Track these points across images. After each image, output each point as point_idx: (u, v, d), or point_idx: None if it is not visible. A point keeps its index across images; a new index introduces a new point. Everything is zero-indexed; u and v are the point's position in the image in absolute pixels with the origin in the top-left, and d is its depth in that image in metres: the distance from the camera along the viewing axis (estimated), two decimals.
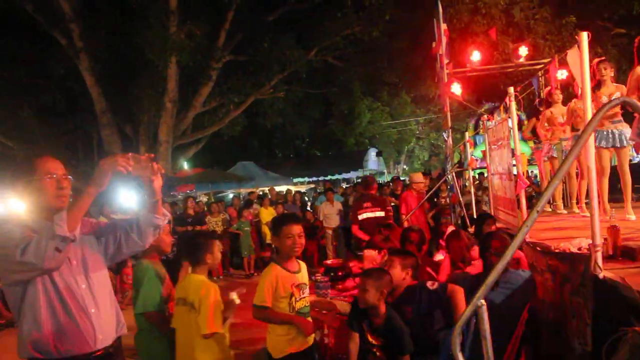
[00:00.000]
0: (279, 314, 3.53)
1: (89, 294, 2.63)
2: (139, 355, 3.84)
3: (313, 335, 3.74)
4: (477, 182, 14.11)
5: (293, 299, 3.56)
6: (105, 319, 2.71)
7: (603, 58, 6.59)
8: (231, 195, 19.76)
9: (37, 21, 15.88)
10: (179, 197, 16.68)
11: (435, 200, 10.81)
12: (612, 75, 6.34)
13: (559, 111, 7.74)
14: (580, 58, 3.74)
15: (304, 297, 3.66)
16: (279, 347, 3.56)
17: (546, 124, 7.95)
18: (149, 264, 3.86)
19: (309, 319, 3.73)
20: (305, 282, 3.69)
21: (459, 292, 3.76)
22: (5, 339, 7.85)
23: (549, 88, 8.32)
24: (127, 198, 13.77)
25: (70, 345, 2.54)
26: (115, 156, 2.51)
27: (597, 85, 6.19)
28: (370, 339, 3.71)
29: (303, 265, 3.78)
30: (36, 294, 2.49)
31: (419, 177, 10.36)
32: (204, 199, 17.51)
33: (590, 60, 4.36)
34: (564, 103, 7.78)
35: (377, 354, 3.67)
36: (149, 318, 3.71)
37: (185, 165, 22.84)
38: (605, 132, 6.15)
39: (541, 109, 8.61)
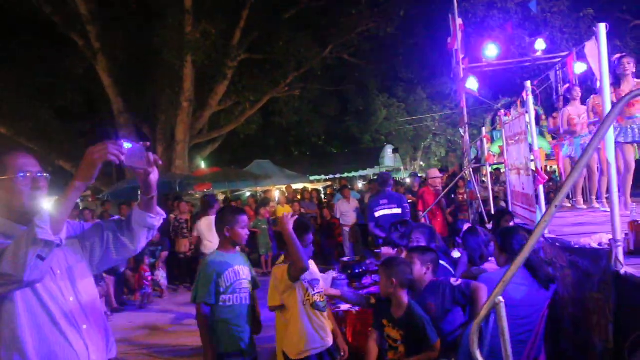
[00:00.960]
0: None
1: (78, 308, 2.26)
2: None
3: (332, 333, 3.74)
4: (495, 177, 14.00)
5: (308, 293, 3.60)
6: (97, 337, 2.32)
7: (624, 53, 6.47)
8: (248, 194, 19.83)
9: (54, 23, 16.05)
10: (197, 195, 16.77)
11: (452, 196, 10.74)
12: (634, 70, 6.22)
13: (575, 111, 7.58)
14: (598, 50, 3.68)
15: (319, 292, 3.70)
16: (295, 347, 3.56)
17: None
18: (210, 257, 3.77)
19: (327, 312, 3.75)
20: (316, 278, 3.74)
21: (482, 290, 3.74)
22: None
23: (567, 85, 8.21)
24: None
25: None
26: (104, 143, 2.10)
27: (616, 81, 6.08)
28: (391, 333, 3.69)
29: (310, 262, 3.82)
30: (14, 310, 2.09)
31: (434, 172, 10.32)
32: (221, 197, 17.58)
33: (609, 53, 4.29)
34: (583, 100, 7.65)
35: (399, 349, 3.65)
36: (197, 310, 3.67)
37: (202, 164, 22.94)
38: (626, 127, 6.05)
39: (558, 105, 8.51)
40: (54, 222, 2.00)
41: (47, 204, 2.21)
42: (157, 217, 2.44)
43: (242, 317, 3.66)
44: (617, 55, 6.18)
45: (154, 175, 2.30)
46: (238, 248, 3.85)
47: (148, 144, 2.26)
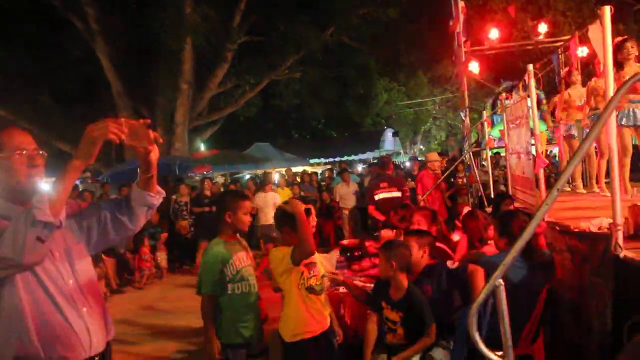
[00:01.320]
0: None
1: (78, 290, 2.22)
2: None
3: (328, 317, 3.71)
4: (495, 161, 13.99)
5: (303, 277, 3.56)
6: (97, 319, 2.28)
7: (626, 37, 6.41)
8: (247, 176, 19.83)
9: (53, 5, 15.94)
10: (196, 178, 16.77)
11: (452, 180, 10.73)
12: (637, 54, 6.17)
13: (576, 93, 7.57)
14: (602, 33, 3.65)
15: (315, 275, 3.64)
16: (290, 330, 3.54)
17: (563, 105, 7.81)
18: (212, 245, 3.64)
19: (323, 296, 3.71)
20: (314, 261, 3.67)
21: (479, 272, 3.75)
22: None
23: (568, 68, 8.17)
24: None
25: (64, 351, 2.12)
26: (105, 121, 2.03)
27: (619, 65, 6.03)
28: (390, 315, 3.71)
29: None
30: (16, 294, 2.04)
31: (433, 156, 10.31)
32: (221, 180, 17.56)
33: (613, 37, 4.25)
34: (583, 84, 7.62)
35: (398, 331, 3.67)
36: (202, 300, 3.60)
37: (202, 147, 22.91)
38: (626, 111, 6.03)
39: (560, 89, 8.47)
40: (53, 203, 1.95)
41: (46, 185, 2.17)
42: (157, 196, 2.40)
43: (250, 306, 3.59)
44: (620, 39, 6.13)
45: (154, 154, 2.25)
46: (238, 234, 3.78)
47: (149, 121, 2.21)
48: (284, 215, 3.60)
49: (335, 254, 5.49)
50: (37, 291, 2.08)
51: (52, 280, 2.13)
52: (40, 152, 2.19)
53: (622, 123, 6.00)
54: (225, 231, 3.66)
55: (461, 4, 9.71)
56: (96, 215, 2.36)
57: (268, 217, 10.75)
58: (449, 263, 3.94)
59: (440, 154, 12.26)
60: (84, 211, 2.37)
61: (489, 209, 6.98)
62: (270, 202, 11.20)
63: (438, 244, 4.77)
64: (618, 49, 5.95)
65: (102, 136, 2.00)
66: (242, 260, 3.63)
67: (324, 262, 4.20)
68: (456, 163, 10.70)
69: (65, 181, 2.02)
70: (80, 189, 12.10)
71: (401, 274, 3.67)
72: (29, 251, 1.93)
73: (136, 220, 2.40)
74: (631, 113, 6.02)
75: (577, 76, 7.72)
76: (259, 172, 19.49)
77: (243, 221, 3.64)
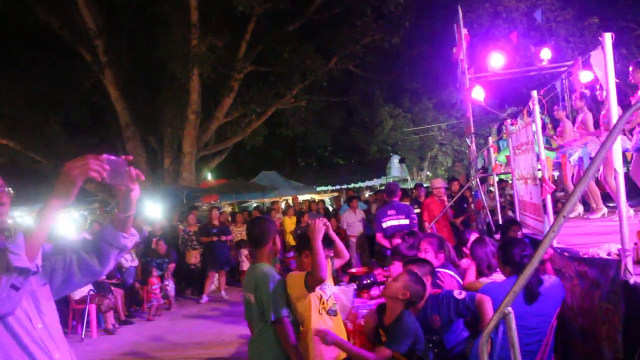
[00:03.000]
0: None
1: (47, 335, 2.03)
2: None
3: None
4: (500, 189, 13.94)
5: (322, 300, 3.53)
6: None
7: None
8: (254, 205, 19.86)
9: (62, 37, 16.22)
10: (204, 207, 16.82)
11: (466, 206, 10.67)
12: None
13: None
14: (604, 60, 3.69)
15: (330, 297, 3.65)
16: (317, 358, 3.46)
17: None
18: (272, 271, 3.53)
19: (337, 317, 3.68)
20: (325, 282, 3.65)
21: (487, 302, 3.72)
22: None
23: (575, 94, 8.19)
24: (154, 208, 13.93)
25: None
26: (85, 158, 1.90)
27: (634, 87, 6.06)
28: (381, 333, 3.68)
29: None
30: None
31: (438, 182, 10.32)
32: (228, 209, 17.62)
33: (615, 62, 4.28)
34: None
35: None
36: (281, 325, 3.38)
37: (209, 176, 23.02)
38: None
39: (558, 115, 8.51)
40: (30, 246, 1.80)
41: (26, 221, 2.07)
42: (130, 238, 2.21)
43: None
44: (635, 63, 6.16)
45: (135, 193, 2.11)
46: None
47: (130, 158, 2.08)
48: (304, 238, 3.59)
49: (351, 289, 5.35)
50: (4, 337, 1.89)
51: (21, 326, 1.93)
52: (7, 189, 2.05)
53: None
54: (269, 257, 3.64)
55: (464, 31, 9.82)
56: (60, 257, 2.15)
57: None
58: (455, 292, 3.92)
59: (453, 180, 12.25)
60: (47, 253, 2.12)
61: (497, 235, 6.96)
62: None
63: (445, 272, 4.76)
64: (632, 73, 5.96)
65: (82, 174, 1.88)
66: None
67: (341, 296, 4.19)
68: (463, 189, 10.69)
69: (42, 222, 1.88)
70: (89, 221, 12.16)
71: (404, 303, 3.63)
72: (2, 300, 1.76)
73: (105, 263, 2.18)
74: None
75: (580, 103, 7.74)
76: (267, 200, 19.53)
77: (277, 245, 3.65)
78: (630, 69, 6.09)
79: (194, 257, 11.45)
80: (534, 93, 5.95)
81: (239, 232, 12.29)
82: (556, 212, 4.93)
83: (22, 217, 16.26)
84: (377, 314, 3.87)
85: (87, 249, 2.17)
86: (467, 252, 5.41)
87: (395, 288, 3.63)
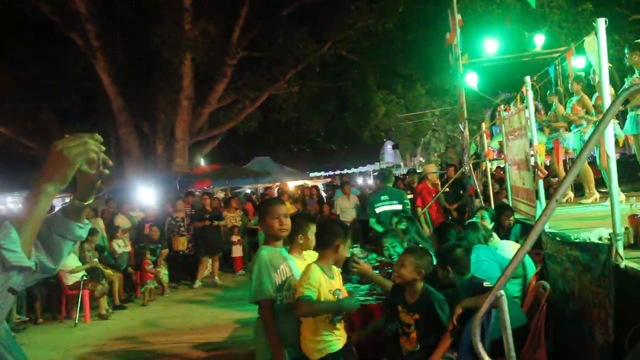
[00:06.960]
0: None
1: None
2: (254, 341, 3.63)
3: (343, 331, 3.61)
4: (495, 179, 13.97)
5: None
6: None
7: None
8: (248, 191, 19.86)
9: (53, 23, 16.06)
10: (197, 193, 16.83)
11: (462, 192, 10.68)
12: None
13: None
14: (598, 45, 3.69)
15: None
16: (314, 348, 3.33)
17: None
18: (261, 252, 3.48)
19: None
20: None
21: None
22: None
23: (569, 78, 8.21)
24: (147, 194, 13.89)
25: None
26: (82, 137, 1.64)
27: (631, 68, 6.07)
28: (405, 319, 3.68)
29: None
30: None
31: (431, 167, 10.35)
32: (221, 195, 17.60)
33: (608, 48, 4.27)
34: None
35: (411, 335, 3.64)
36: (261, 307, 3.42)
37: (202, 162, 22.98)
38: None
39: (550, 100, 8.53)
40: (24, 240, 1.54)
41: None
42: (85, 228, 1.83)
43: (297, 320, 3.39)
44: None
45: (98, 180, 1.79)
46: (280, 242, 3.59)
47: (101, 138, 1.71)
48: (297, 219, 3.62)
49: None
50: None
51: None
52: None
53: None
54: (268, 238, 3.56)
55: (458, 17, 9.79)
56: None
57: None
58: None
59: (449, 166, 12.25)
60: None
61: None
62: None
63: None
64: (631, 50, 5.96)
65: (82, 154, 1.62)
66: (291, 268, 3.51)
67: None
68: (455, 175, 10.71)
69: (35, 211, 1.59)
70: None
71: (421, 282, 3.69)
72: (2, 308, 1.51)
73: (59, 257, 1.79)
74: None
75: (576, 86, 7.76)
76: (260, 186, 19.52)
77: (271, 225, 3.47)
78: (626, 51, 6.10)
79: (181, 244, 11.39)
80: (527, 79, 5.96)
81: (232, 217, 12.29)
82: (548, 198, 4.96)
83: (14, 204, 16.18)
84: (393, 292, 3.93)
85: (36, 246, 1.71)
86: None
87: (407, 273, 3.66)
